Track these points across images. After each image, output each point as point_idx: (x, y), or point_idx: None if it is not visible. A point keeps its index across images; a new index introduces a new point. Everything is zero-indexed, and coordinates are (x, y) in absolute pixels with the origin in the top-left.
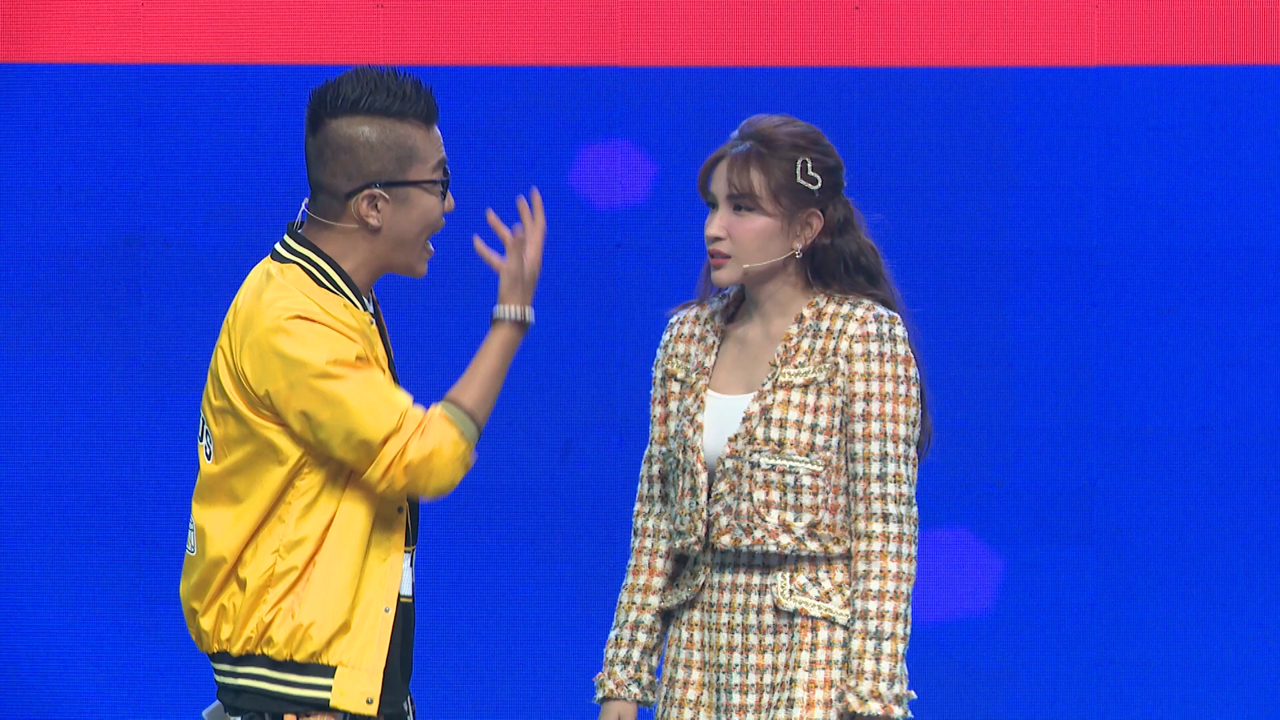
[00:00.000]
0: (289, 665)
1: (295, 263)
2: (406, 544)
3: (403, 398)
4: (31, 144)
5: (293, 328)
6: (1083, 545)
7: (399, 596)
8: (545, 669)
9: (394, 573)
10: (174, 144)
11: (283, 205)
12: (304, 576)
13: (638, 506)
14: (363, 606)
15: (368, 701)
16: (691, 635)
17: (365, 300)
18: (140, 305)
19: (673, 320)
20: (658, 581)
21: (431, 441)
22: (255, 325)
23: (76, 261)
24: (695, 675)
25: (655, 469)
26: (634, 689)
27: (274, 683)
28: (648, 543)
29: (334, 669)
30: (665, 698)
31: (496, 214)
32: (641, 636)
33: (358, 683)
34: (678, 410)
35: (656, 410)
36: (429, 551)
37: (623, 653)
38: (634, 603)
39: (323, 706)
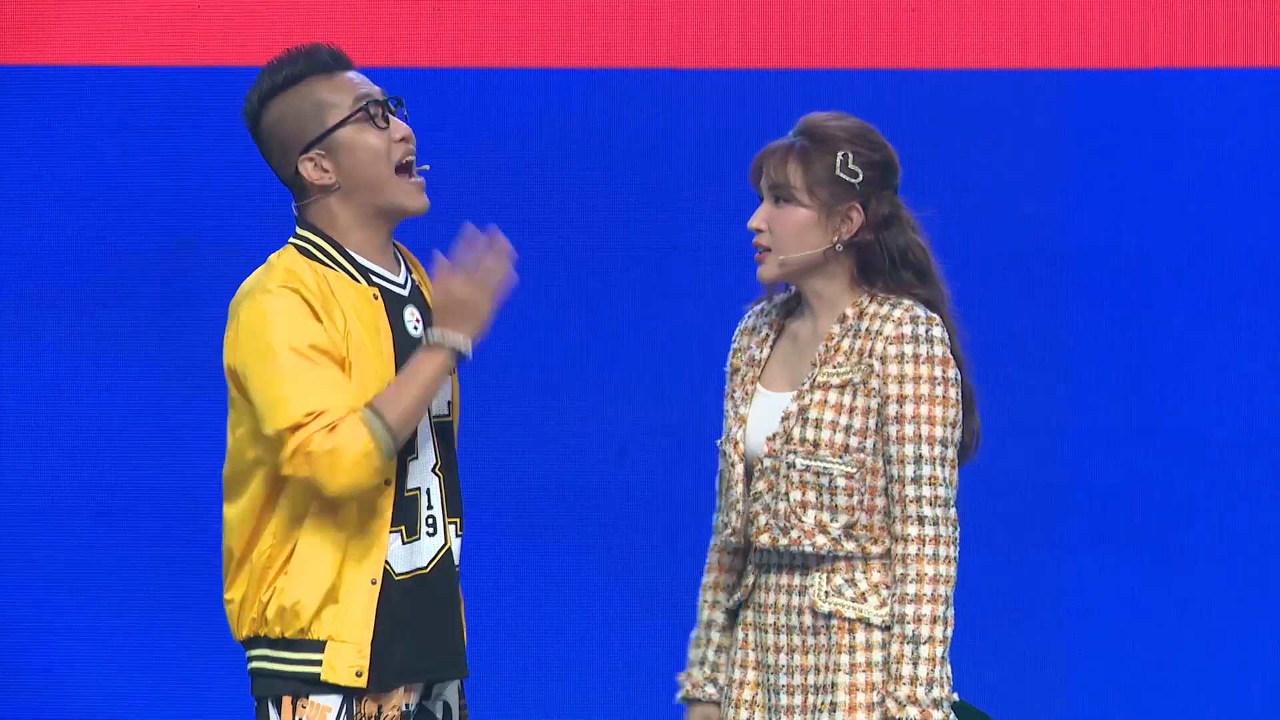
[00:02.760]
0: (283, 643)
1: (293, 243)
2: (452, 515)
3: (328, 398)
4: (86, 147)
5: (261, 302)
6: (1138, 550)
7: (414, 570)
8: (599, 670)
9: (379, 547)
10: (229, 146)
11: None
12: (293, 554)
13: (718, 502)
14: (349, 580)
15: (357, 675)
16: (747, 635)
17: (373, 273)
18: (195, 308)
19: (745, 314)
20: (727, 579)
21: (338, 439)
22: (237, 304)
23: (131, 264)
24: (750, 675)
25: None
26: (710, 689)
27: (273, 661)
28: (718, 541)
29: (324, 643)
30: (726, 697)
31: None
32: (716, 635)
33: (346, 656)
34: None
35: (727, 405)
36: (483, 553)
37: (699, 653)
38: (706, 601)
39: (314, 681)
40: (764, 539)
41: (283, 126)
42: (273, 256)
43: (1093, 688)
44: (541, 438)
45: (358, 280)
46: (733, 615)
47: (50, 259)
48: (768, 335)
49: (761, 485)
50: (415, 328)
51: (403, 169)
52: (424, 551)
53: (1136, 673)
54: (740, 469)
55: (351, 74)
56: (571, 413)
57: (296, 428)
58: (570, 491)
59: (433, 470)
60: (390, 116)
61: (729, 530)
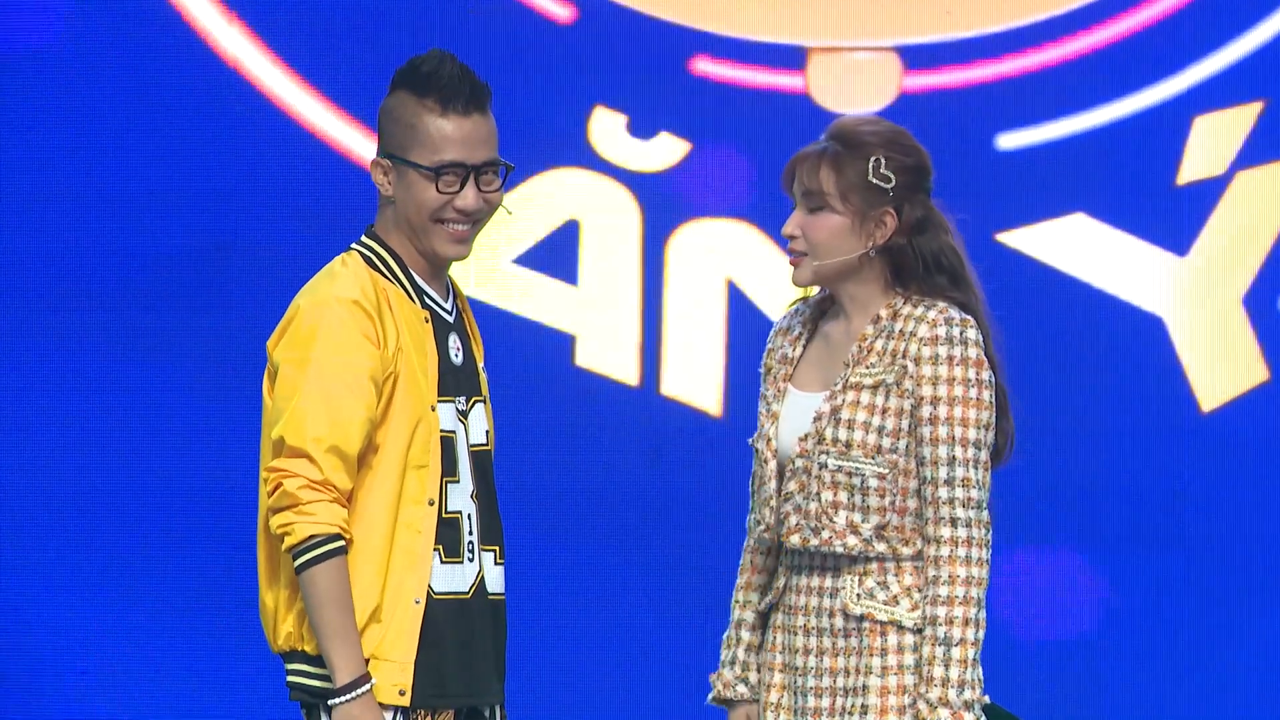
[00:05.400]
0: (322, 659)
1: (358, 250)
2: (487, 544)
3: (339, 434)
4: (122, 150)
5: (322, 308)
6: (1176, 551)
7: (455, 592)
8: (634, 672)
9: (423, 564)
10: (265, 149)
11: (374, 210)
12: None
13: (751, 501)
14: (391, 598)
15: (400, 693)
16: (775, 638)
17: (426, 294)
18: (230, 311)
19: (781, 316)
20: (759, 579)
21: (305, 507)
22: (298, 304)
23: (167, 267)
24: (777, 677)
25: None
26: (741, 688)
27: (312, 677)
28: (751, 541)
29: (367, 661)
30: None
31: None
32: (746, 634)
33: (390, 675)
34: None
35: (761, 405)
36: (518, 557)
37: (729, 654)
38: (738, 601)
39: None
40: (795, 539)
41: (384, 119)
42: (336, 263)
43: (1127, 688)
44: (576, 440)
45: (413, 300)
46: (764, 617)
47: (87, 261)
48: (801, 334)
49: (793, 485)
50: (456, 354)
51: (444, 221)
52: (465, 576)
53: (1171, 674)
54: (773, 466)
55: (467, 124)
56: (605, 416)
57: (297, 453)
58: (604, 495)
59: (470, 497)
60: (467, 186)
61: (763, 526)
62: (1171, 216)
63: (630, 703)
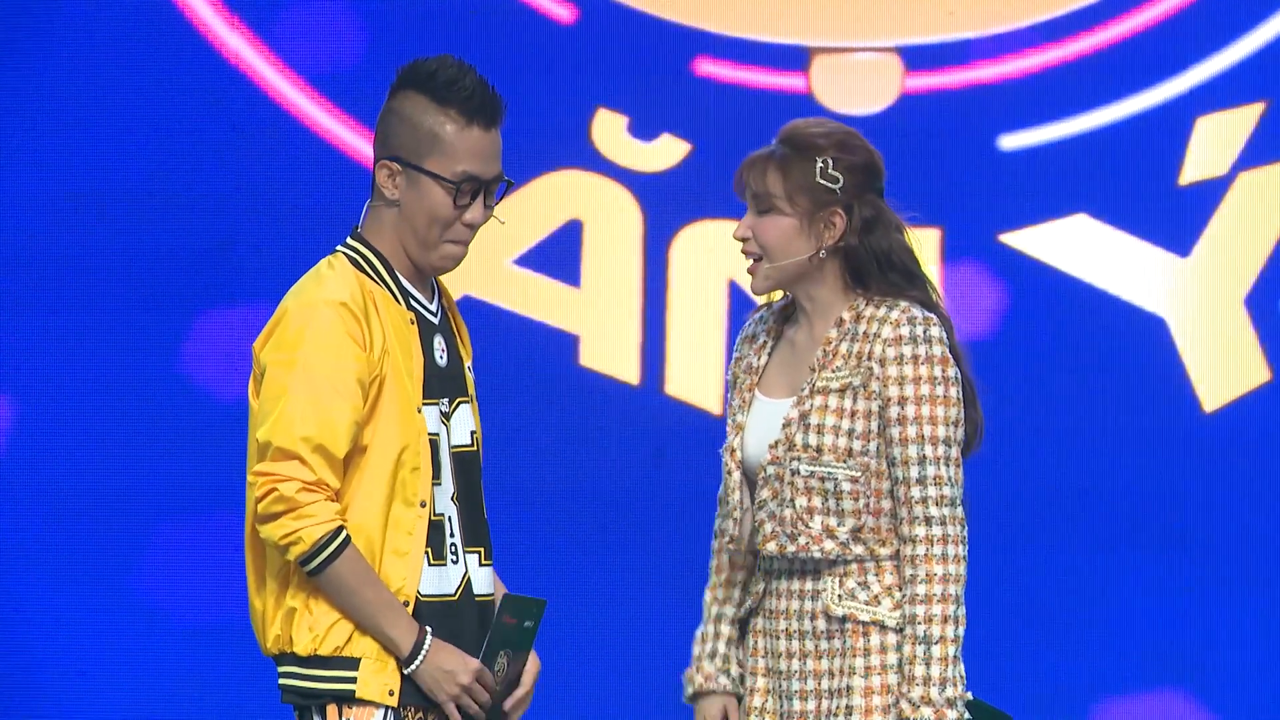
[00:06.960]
0: (315, 660)
1: (344, 252)
2: (472, 545)
3: (327, 433)
4: (124, 149)
5: (308, 310)
6: (1177, 551)
7: (442, 595)
8: (636, 672)
9: (414, 566)
10: (267, 148)
11: None
12: None
13: (718, 509)
14: None
15: (390, 693)
16: (756, 642)
17: (412, 296)
18: (233, 310)
19: (746, 321)
20: (739, 576)
21: (305, 510)
22: (284, 307)
23: (172, 266)
24: (760, 682)
25: None
26: (724, 680)
27: (304, 679)
28: (720, 544)
29: (358, 661)
30: (740, 705)
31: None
32: (725, 629)
33: (380, 675)
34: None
35: (728, 413)
36: (523, 554)
37: (709, 647)
38: (716, 598)
39: (348, 698)
40: (771, 546)
41: (396, 119)
42: (323, 265)
43: (1130, 688)
44: (580, 440)
45: (398, 302)
46: (743, 620)
47: (87, 261)
48: (765, 342)
49: (766, 493)
50: (441, 356)
51: (450, 235)
52: (450, 578)
53: (1172, 673)
54: (738, 477)
55: (484, 138)
56: (607, 415)
57: (286, 455)
58: (607, 494)
59: (450, 499)
60: (478, 200)
61: (728, 539)
62: (1173, 217)
63: (631, 703)
